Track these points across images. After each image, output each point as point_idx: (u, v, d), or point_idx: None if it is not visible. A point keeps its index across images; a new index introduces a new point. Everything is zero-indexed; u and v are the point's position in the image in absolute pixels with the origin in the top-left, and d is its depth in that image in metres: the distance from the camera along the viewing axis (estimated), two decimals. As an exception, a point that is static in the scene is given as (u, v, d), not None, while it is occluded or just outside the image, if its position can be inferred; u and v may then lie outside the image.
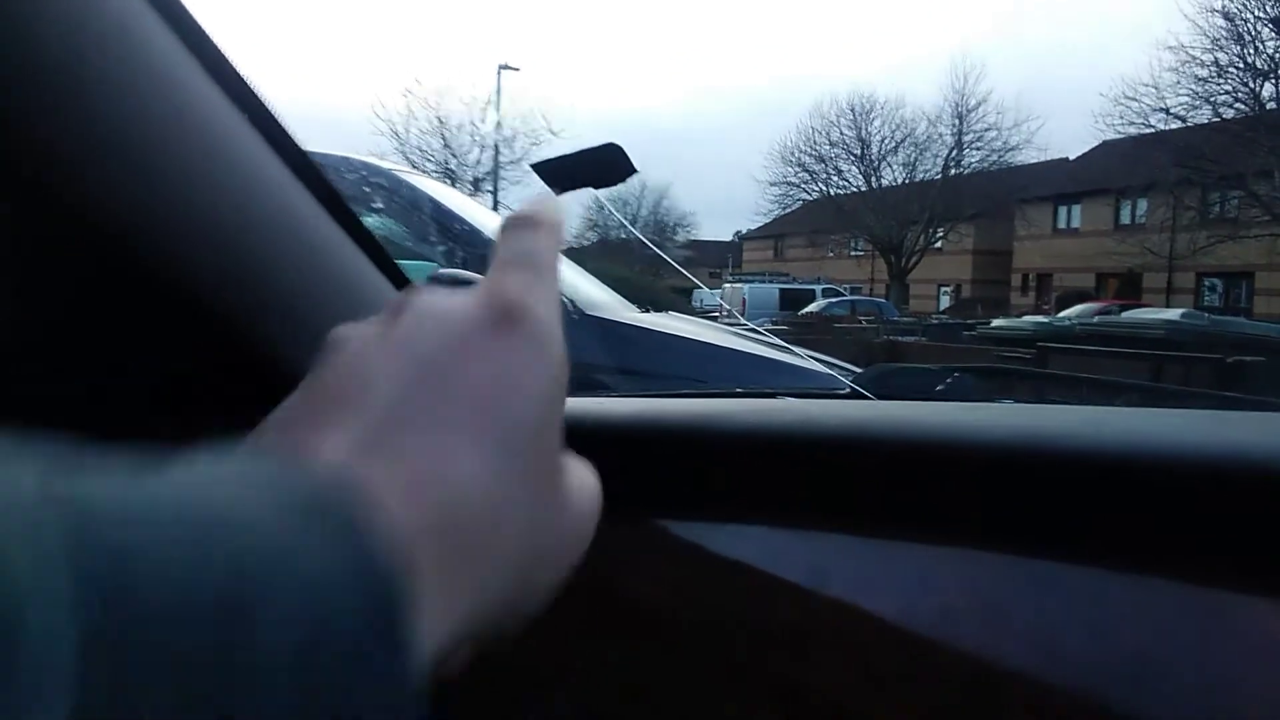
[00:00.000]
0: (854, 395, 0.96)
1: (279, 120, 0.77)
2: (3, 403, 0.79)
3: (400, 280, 0.89)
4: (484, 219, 2.99)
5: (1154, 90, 24.40)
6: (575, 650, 0.71)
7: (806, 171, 37.71)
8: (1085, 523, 0.53)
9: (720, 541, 0.67)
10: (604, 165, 0.74)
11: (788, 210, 39.75)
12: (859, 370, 2.49)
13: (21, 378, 0.80)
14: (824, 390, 1.04)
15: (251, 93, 0.74)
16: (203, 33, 0.70)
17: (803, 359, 1.84)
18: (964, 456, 0.58)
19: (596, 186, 0.76)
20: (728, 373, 2.07)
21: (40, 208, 0.67)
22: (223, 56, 0.72)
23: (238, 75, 0.73)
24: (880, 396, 0.93)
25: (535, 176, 0.70)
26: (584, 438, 0.75)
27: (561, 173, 0.76)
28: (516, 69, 25.19)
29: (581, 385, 1.94)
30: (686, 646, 0.66)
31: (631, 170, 0.74)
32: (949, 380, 0.98)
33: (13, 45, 0.60)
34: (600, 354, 2.00)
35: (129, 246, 0.70)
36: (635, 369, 2.06)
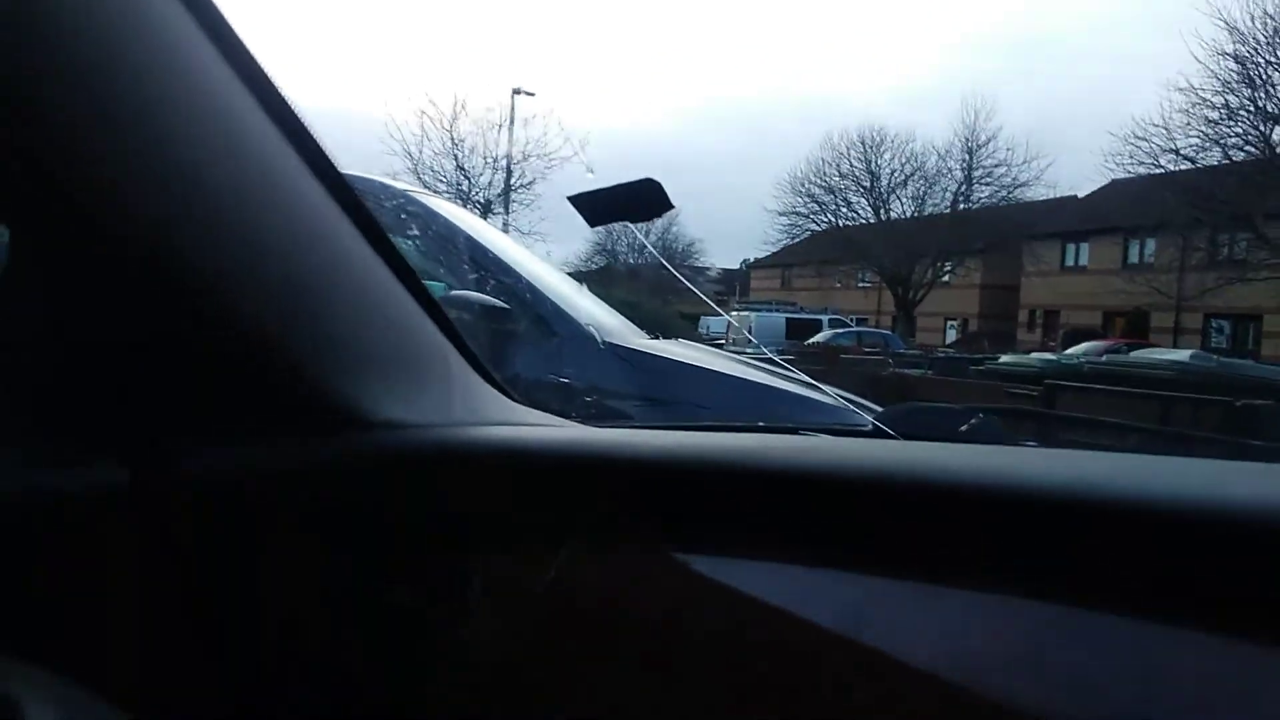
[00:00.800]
0: (877, 433, 0.96)
1: (321, 145, 0.78)
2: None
3: (426, 299, 0.89)
4: (496, 240, 3.01)
5: (1164, 131, 24.42)
6: (580, 681, 0.70)
7: (816, 202, 37.81)
8: (1128, 572, 0.53)
9: (745, 578, 0.67)
10: (641, 200, 0.75)
11: (796, 240, 39.84)
12: (869, 403, 2.49)
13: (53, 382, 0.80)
14: (847, 427, 1.04)
15: (294, 115, 0.75)
16: (251, 56, 0.71)
17: (820, 392, 1.84)
18: (1001, 503, 0.58)
19: (633, 220, 0.77)
20: (748, 404, 2.06)
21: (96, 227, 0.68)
22: (271, 82, 0.73)
23: (283, 100, 0.74)
24: (904, 435, 0.92)
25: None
26: (610, 469, 0.75)
27: (597, 206, 0.77)
28: (531, 94, 25.31)
29: (605, 414, 1.93)
30: (701, 682, 0.66)
31: (668, 206, 0.75)
32: (973, 421, 0.97)
33: (98, 85, 0.62)
34: (622, 382, 2.00)
35: (169, 258, 0.71)
36: (656, 397, 2.06)
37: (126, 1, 0.63)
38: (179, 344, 0.77)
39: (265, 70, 0.73)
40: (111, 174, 0.66)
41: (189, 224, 0.71)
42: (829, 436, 0.93)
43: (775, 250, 42.11)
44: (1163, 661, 0.50)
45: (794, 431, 0.99)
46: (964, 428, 0.98)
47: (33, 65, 0.60)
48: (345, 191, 0.80)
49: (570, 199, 0.75)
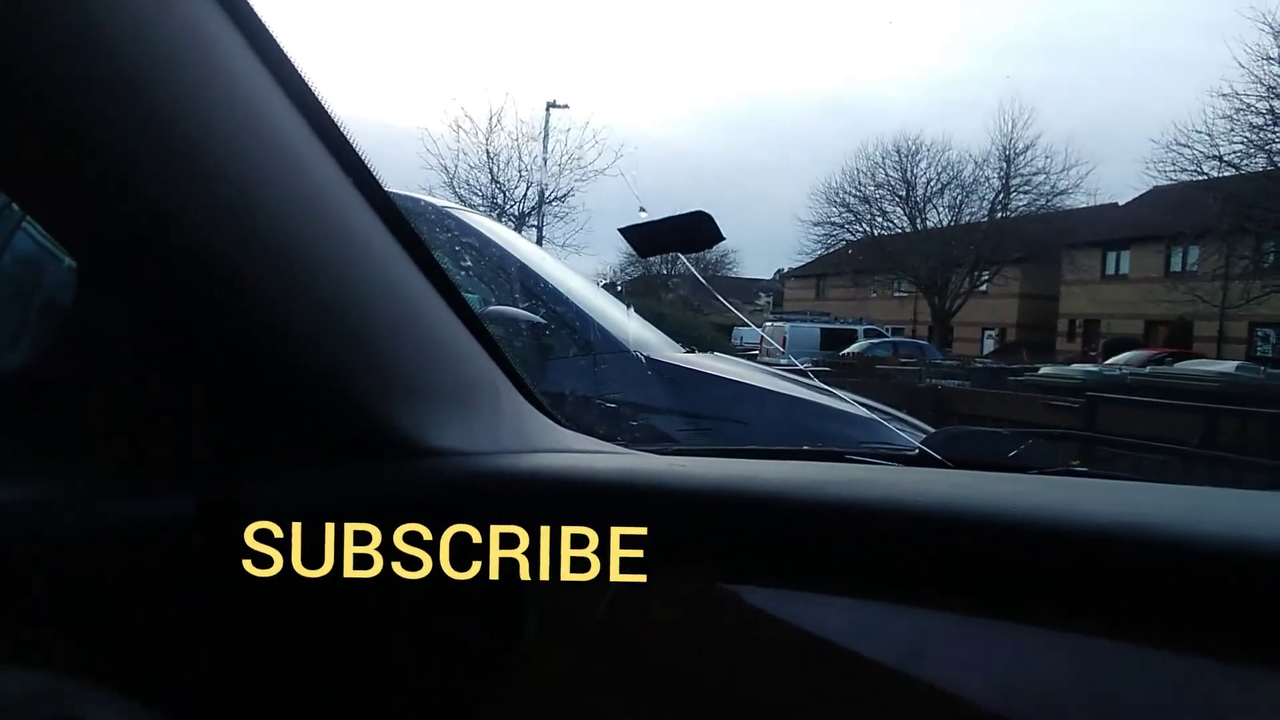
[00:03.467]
0: (924, 457, 0.95)
1: (374, 174, 0.79)
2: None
3: (473, 322, 0.90)
4: (533, 255, 3.03)
5: (1207, 137, 24.02)
6: (633, 713, 0.70)
7: (850, 212, 37.58)
8: (1185, 610, 0.52)
9: (797, 611, 0.67)
10: (691, 232, 0.76)
11: (830, 250, 39.60)
12: (907, 416, 2.47)
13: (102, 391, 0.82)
14: (893, 450, 1.03)
15: (348, 145, 0.77)
16: (300, 75, 0.72)
17: (858, 407, 1.83)
18: (1057, 540, 0.57)
19: (684, 252, 0.78)
20: (787, 420, 2.06)
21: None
22: (328, 112, 0.74)
23: (341, 135, 0.75)
24: (952, 460, 0.92)
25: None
26: (661, 500, 0.76)
27: (648, 238, 0.78)
28: (566, 106, 25.33)
29: (649, 435, 1.92)
30: (753, 716, 0.66)
31: (719, 238, 0.76)
32: (1022, 447, 0.96)
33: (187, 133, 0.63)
34: (665, 400, 2.00)
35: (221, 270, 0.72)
36: (699, 414, 2.06)
37: (173, 18, 0.63)
38: (240, 372, 0.78)
39: (321, 98, 0.74)
40: (170, 203, 0.68)
41: (248, 254, 0.73)
42: (878, 464, 0.92)
43: (809, 260, 41.91)
44: (1226, 701, 0.50)
45: (840, 457, 0.99)
46: (1012, 453, 0.97)
47: (92, 102, 0.62)
48: (394, 214, 0.81)
49: (621, 231, 0.76)
